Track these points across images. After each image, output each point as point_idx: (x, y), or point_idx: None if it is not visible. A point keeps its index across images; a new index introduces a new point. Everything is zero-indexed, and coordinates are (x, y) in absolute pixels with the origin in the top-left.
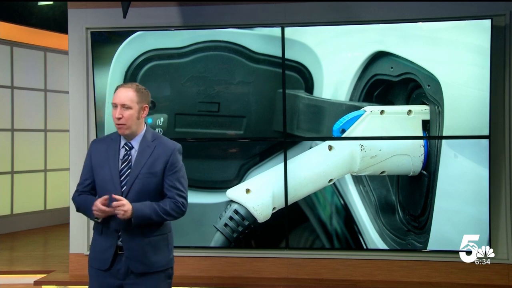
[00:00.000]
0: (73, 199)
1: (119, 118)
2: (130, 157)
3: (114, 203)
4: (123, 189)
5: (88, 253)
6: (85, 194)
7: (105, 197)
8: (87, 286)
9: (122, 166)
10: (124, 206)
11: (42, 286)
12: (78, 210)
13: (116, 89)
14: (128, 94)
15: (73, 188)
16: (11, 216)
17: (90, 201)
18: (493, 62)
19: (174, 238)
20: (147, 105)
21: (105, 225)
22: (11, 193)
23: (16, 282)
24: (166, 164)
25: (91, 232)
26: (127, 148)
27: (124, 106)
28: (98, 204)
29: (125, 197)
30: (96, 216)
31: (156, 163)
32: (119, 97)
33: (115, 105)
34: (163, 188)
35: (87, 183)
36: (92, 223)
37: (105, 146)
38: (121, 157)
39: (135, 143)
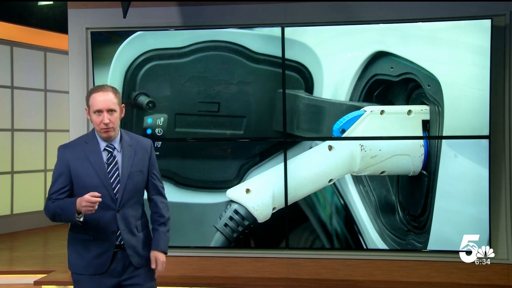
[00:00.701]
0: (47, 207)
1: (107, 123)
2: (115, 158)
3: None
4: (115, 191)
5: None
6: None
7: (96, 193)
8: None
9: (109, 169)
10: (163, 262)
11: (42, 286)
12: (53, 217)
13: (92, 93)
14: (110, 98)
15: None
16: (11, 216)
17: (70, 202)
18: (493, 62)
19: (174, 238)
20: (123, 104)
21: (99, 229)
22: (11, 193)
23: (16, 282)
24: (150, 160)
25: None
26: (110, 150)
27: (111, 111)
28: (89, 197)
29: (119, 198)
30: (86, 212)
31: (141, 160)
32: (104, 102)
33: (99, 111)
34: (147, 183)
35: (64, 191)
36: None
37: (81, 151)
38: (105, 160)
39: (116, 144)
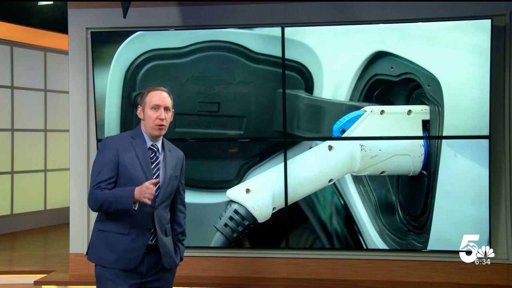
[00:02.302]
0: (94, 196)
1: (162, 119)
2: (158, 158)
3: None
4: (156, 190)
5: None
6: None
7: (154, 180)
8: (87, 286)
9: (152, 167)
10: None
11: (42, 286)
12: (101, 205)
13: (149, 91)
14: (167, 98)
15: (73, 188)
16: (11, 216)
17: (127, 190)
18: (493, 62)
19: None
20: (173, 110)
21: (136, 224)
22: (11, 193)
23: (16, 282)
24: (181, 169)
25: (91, 232)
26: (154, 150)
27: (166, 109)
28: (150, 185)
29: (160, 198)
30: (146, 200)
31: (177, 167)
32: (163, 100)
33: (157, 107)
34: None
35: (113, 181)
36: (93, 223)
37: (129, 144)
38: (149, 158)
39: (159, 145)
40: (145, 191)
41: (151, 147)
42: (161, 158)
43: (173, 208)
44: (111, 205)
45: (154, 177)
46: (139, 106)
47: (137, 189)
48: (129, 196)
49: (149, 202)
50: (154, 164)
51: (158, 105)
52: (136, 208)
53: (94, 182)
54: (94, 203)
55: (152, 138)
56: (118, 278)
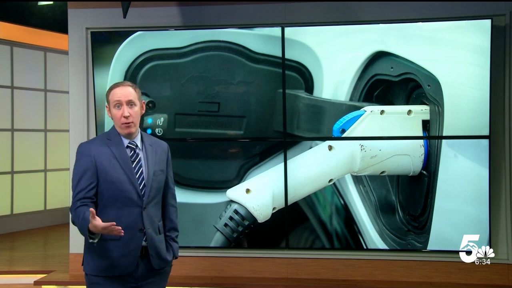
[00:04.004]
0: (72, 210)
1: (127, 116)
2: (138, 156)
3: None
4: (141, 188)
5: None
6: (86, 202)
7: (118, 228)
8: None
9: (133, 166)
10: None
11: (42, 286)
12: (74, 224)
13: (112, 88)
14: (129, 91)
15: None
16: (11, 216)
17: (84, 219)
18: (493, 62)
19: None
20: (144, 101)
21: (126, 227)
22: (11, 193)
23: (16, 282)
24: (167, 161)
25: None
26: (133, 147)
27: (130, 103)
28: (110, 227)
29: (146, 196)
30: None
31: (161, 160)
32: (123, 94)
33: (119, 103)
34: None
35: (92, 187)
36: None
37: (105, 147)
38: (129, 156)
39: (138, 142)
40: (102, 231)
41: (129, 145)
42: (142, 154)
43: (164, 203)
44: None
45: (137, 176)
46: (106, 106)
47: (93, 224)
48: (84, 226)
49: (121, 234)
50: (135, 163)
51: (119, 101)
52: (95, 241)
53: (75, 192)
54: (72, 218)
55: (127, 136)
56: (111, 284)
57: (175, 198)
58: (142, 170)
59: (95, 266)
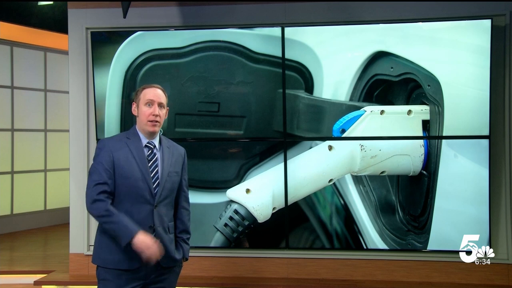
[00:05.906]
0: (108, 212)
1: (156, 115)
2: (155, 155)
3: None
4: (154, 186)
5: (88, 253)
6: (109, 198)
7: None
8: (87, 286)
9: (150, 164)
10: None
11: (42, 286)
12: (100, 221)
13: (145, 88)
14: (161, 94)
15: (73, 188)
16: (11, 216)
17: (127, 228)
18: (493, 62)
19: None
20: (168, 108)
21: (138, 223)
22: (11, 193)
23: (16, 282)
24: (183, 165)
25: (92, 232)
26: (151, 147)
27: (160, 105)
28: (157, 250)
29: (158, 195)
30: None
31: (177, 163)
32: (156, 95)
33: (150, 102)
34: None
35: (110, 182)
36: (93, 223)
37: (123, 144)
38: (146, 155)
39: (156, 142)
40: (146, 251)
41: (147, 144)
42: (158, 155)
43: (177, 205)
44: (111, 230)
45: (152, 174)
46: (133, 102)
47: (140, 238)
48: (126, 236)
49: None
50: (151, 162)
51: (152, 100)
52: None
53: (92, 183)
54: (97, 211)
55: (148, 136)
56: (120, 279)
57: (188, 202)
58: (157, 169)
59: (105, 259)
